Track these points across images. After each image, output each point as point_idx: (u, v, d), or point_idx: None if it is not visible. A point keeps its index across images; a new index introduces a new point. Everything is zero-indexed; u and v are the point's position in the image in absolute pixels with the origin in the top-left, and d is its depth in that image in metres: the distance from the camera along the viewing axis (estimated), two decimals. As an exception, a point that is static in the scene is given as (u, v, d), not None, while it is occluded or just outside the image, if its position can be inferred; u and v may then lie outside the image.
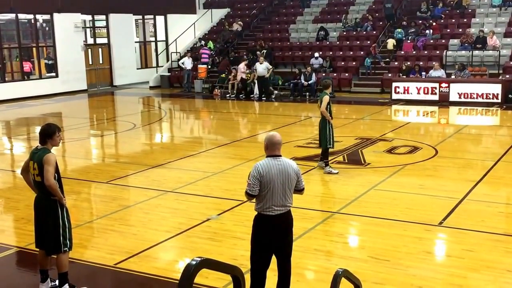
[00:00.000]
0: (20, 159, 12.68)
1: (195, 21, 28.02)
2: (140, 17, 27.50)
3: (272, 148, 5.00)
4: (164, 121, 17.54)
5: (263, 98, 20.49)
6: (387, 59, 22.04)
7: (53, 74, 23.58)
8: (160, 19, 28.26)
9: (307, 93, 20.50)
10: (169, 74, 25.47)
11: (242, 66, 21.35)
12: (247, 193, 4.96)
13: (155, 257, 6.75)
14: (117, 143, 14.54)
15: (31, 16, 23.15)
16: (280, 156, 5.01)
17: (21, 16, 22.72)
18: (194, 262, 3.88)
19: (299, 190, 5.13)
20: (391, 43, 22.28)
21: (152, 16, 28.08)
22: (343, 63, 22.34)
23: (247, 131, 15.73)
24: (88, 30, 25.78)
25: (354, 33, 23.87)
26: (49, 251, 5.65)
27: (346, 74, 21.72)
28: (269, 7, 28.44)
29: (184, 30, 27.44)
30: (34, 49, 24.17)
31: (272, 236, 5.00)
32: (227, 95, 21.45)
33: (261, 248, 5.04)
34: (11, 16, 22.17)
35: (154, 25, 28.57)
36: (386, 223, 7.60)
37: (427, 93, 18.71)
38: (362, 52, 22.49)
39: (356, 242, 7.35)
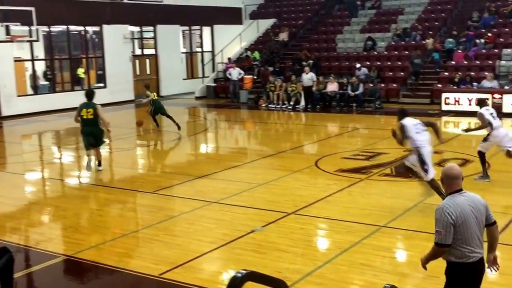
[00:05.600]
0: (69, 168, 12.97)
1: (241, 31, 28.19)
2: (187, 27, 27.88)
3: (451, 184, 4.27)
4: (209, 131, 17.63)
5: (308, 108, 20.33)
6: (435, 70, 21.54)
7: (102, 84, 24.13)
8: (206, 29, 28.58)
9: (354, 104, 20.22)
10: (215, 84, 25.65)
11: (308, 76, 21.04)
12: (439, 244, 4.18)
13: (200, 268, 6.71)
14: (163, 153, 14.68)
15: (81, 28, 23.84)
16: (463, 190, 4.27)
17: (72, 28, 23.40)
18: (239, 275, 3.82)
19: (490, 225, 4.35)
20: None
21: (198, 27, 28.42)
22: (391, 73, 21.94)
23: (293, 142, 15.59)
24: (136, 41, 26.30)
25: (403, 43, 23.44)
26: (98, 146, 11.26)
27: (394, 85, 21.32)
28: (315, 17, 28.31)
29: (230, 41, 27.63)
30: (84, 60, 24.83)
31: (474, 285, 4.31)
32: (271, 105, 21.39)
33: None
34: (63, 28, 22.86)
35: (201, 36, 28.89)
36: (436, 238, 7.30)
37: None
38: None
39: (404, 257, 7.09)
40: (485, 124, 9.73)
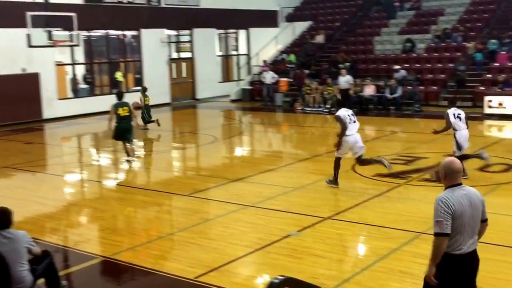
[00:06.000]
0: (107, 171, 13.17)
1: (277, 34, 28.16)
2: (223, 31, 28.01)
3: (453, 177, 4.39)
4: (244, 134, 17.62)
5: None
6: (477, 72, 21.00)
7: (139, 87, 24.44)
8: (242, 32, 28.66)
9: (392, 107, 19.89)
10: (251, 87, 25.68)
11: (345, 79, 20.75)
12: (440, 234, 4.26)
13: (235, 272, 6.68)
14: (198, 156, 14.75)
15: (120, 32, 24.23)
16: (462, 184, 4.41)
17: (111, 32, 23.82)
18: (277, 281, 3.77)
19: (483, 221, 4.50)
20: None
21: (234, 30, 28.52)
22: (430, 75, 21.51)
23: (328, 145, 15.38)
24: (172, 45, 26.58)
25: (443, 44, 22.94)
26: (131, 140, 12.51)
27: (434, 87, 20.88)
28: (353, 19, 28.04)
29: (266, 44, 27.62)
30: (122, 63, 25.23)
31: (463, 277, 4.44)
32: (306, 108, 21.26)
33: None
34: (102, 32, 23.30)
35: (236, 39, 28.98)
36: (479, 246, 7.06)
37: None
38: (451, 65, 21.57)
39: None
40: (448, 125, 10.06)
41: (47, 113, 20.61)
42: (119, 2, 22.58)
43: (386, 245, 7.15)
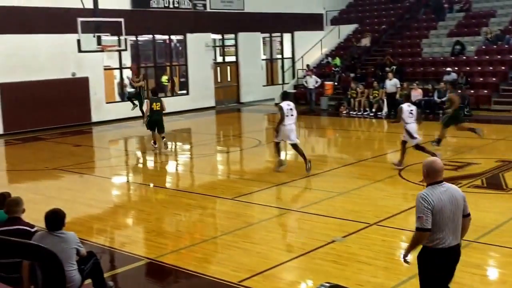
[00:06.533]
0: (152, 173, 13.36)
1: (322, 37, 27.97)
2: (268, 34, 28.03)
3: (434, 175, 4.63)
4: (288, 138, 17.52)
5: (391, 115, 19.75)
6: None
7: (184, 91, 24.77)
8: (287, 36, 28.60)
9: (441, 111, 19.39)
10: (295, 91, 25.57)
11: (392, 82, 20.36)
12: (421, 229, 4.51)
13: (279, 277, 6.62)
14: (243, 160, 14.77)
15: (166, 37, 24.60)
16: (443, 181, 4.63)
17: (157, 37, 24.20)
18: (324, 288, 3.71)
19: (465, 216, 4.71)
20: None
21: (279, 34, 28.50)
22: (481, 79, 20.86)
23: (374, 150, 15.17)
24: (217, 48, 26.78)
25: (495, 46, 22.22)
26: (163, 131, 14.26)
27: (485, 91, 20.24)
28: (399, 22, 27.54)
29: (311, 47, 27.48)
30: (168, 67, 25.59)
31: (444, 271, 4.67)
32: (352, 112, 20.99)
33: (433, 284, 4.73)
34: (149, 37, 23.71)
35: (281, 43, 28.94)
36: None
37: None
38: (503, 67, 20.86)
39: (496, 276, 6.64)
40: (398, 119, 11.64)
41: (95, 117, 21.10)
42: (166, 7, 22.92)
43: (434, 253, 6.93)
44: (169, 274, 7.01)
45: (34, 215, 6.30)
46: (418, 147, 11.49)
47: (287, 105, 11.31)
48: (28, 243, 2.50)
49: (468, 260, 6.78)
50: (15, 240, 2.37)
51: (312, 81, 22.95)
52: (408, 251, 4.76)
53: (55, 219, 5.48)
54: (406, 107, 11.53)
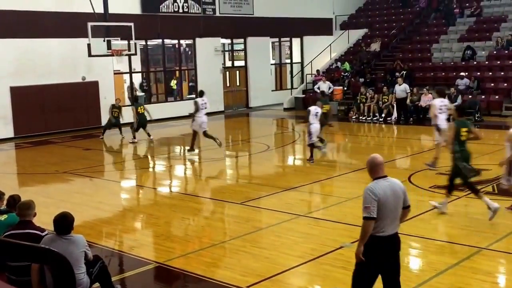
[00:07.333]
0: (161, 177, 13.38)
1: (331, 42, 27.95)
2: (277, 39, 28.05)
3: (376, 170, 5.08)
4: (297, 143, 17.51)
5: (401, 121, 19.68)
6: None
7: (193, 96, 24.79)
8: (296, 41, 28.61)
9: (450, 116, 19.26)
10: (304, 96, 25.54)
11: (401, 88, 20.20)
12: (368, 218, 4.91)
13: (287, 282, 6.59)
14: (251, 164, 14.76)
15: (175, 41, 24.69)
16: (387, 176, 5.08)
17: (167, 41, 24.30)
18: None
19: (405, 208, 5.12)
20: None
21: (288, 38, 28.51)
22: (492, 84, 20.75)
23: (384, 155, 15.02)
24: (226, 53, 26.83)
25: (506, 52, 22.10)
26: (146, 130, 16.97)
27: (496, 97, 20.12)
28: (409, 27, 27.48)
29: (320, 52, 27.46)
30: (177, 72, 25.68)
31: (384, 257, 5.06)
32: (362, 118, 20.93)
33: (370, 269, 5.08)
34: (158, 41, 23.81)
35: (290, 47, 28.96)
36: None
37: None
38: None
39: (506, 283, 6.57)
40: (306, 119, 13.20)
41: (105, 120, 21.15)
42: (175, 12, 23.01)
43: (444, 260, 6.89)
44: (177, 278, 7.00)
45: (44, 219, 6.33)
46: (312, 145, 13.10)
47: (201, 100, 14.57)
48: (39, 246, 2.51)
49: (478, 267, 6.75)
50: (26, 244, 2.38)
51: (325, 87, 22.64)
52: (361, 242, 5.02)
53: (64, 222, 5.50)
54: (313, 109, 13.13)
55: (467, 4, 26.34)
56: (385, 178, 5.05)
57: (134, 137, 17.32)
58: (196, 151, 14.92)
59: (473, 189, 8.74)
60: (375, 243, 4.96)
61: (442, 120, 11.81)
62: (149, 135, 17.14)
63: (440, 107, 11.83)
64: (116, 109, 18.19)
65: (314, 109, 13.13)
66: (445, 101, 12.18)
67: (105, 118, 21.14)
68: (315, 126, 13.02)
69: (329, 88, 22.87)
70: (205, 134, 14.82)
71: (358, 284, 5.17)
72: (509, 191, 8.71)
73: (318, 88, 22.94)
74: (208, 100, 15.28)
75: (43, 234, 5.70)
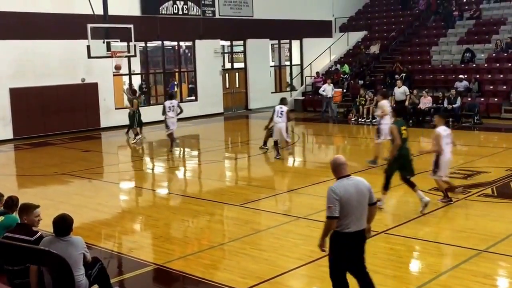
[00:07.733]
0: (160, 179, 13.37)
1: (330, 44, 27.96)
2: (276, 41, 28.06)
3: (339, 170, 5.28)
4: (296, 145, 17.50)
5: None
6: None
7: (193, 97, 24.81)
8: (295, 43, 28.62)
9: (450, 118, 19.29)
10: (303, 98, 25.53)
11: (401, 90, 20.26)
12: (330, 217, 5.10)
13: (286, 284, 6.59)
14: (250, 166, 14.75)
15: (175, 43, 24.69)
16: (350, 175, 5.26)
17: (166, 43, 24.29)
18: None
19: (371, 204, 5.29)
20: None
21: (287, 40, 28.52)
22: (491, 87, 20.76)
23: (382, 158, 15.07)
24: (226, 55, 26.84)
25: (505, 54, 22.12)
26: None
27: (495, 99, 20.13)
28: (409, 29, 27.51)
29: (319, 54, 27.47)
30: (176, 74, 25.67)
31: (351, 252, 5.26)
32: (361, 120, 20.93)
33: (341, 262, 5.30)
34: (158, 43, 23.81)
35: (290, 49, 28.97)
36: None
37: None
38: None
39: (505, 285, 6.57)
40: (271, 119, 13.82)
41: (104, 122, 21.18)
42: (175, 14, 23.02)
43: (443, 262, 6.90)
44: (177, 280, 6.99)
45: (43, 220, 6.31)
46: (276, 143, 13.81)
47: (170, 103, 15.54)
48: (38, 248, 2.50)
49: (477, 269, 6.74)
50: (25, 246, 2.37)
51: (329, 90, 22.55)
52: (322, 238, 5.31)
53: (63, 224, 5.49)
54: (278, 108, 13.94)
55: (466, 7, 26.39)
56: (348, 177, 5.24)
57: (138, 133, 17.29)
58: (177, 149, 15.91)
59: (410, 184, 9.20)
60: (343, 239, 5.16)
61: (387, 120, 12.24)
62: (136, 135, 17.49)
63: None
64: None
65: (279, 109, 13.76)
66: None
67: (104, 119, 21.16)
68: (281, 125, 13.56)
69: (333, 90, 22.82)
70: (168, 135, 15.67)
71: (333, 274, 5.40)
72: (509, 194, 8.71)
73: (324, 90, 22.70)
74: (177, 103, 15.97)
75: (33, 239, 5.68)
